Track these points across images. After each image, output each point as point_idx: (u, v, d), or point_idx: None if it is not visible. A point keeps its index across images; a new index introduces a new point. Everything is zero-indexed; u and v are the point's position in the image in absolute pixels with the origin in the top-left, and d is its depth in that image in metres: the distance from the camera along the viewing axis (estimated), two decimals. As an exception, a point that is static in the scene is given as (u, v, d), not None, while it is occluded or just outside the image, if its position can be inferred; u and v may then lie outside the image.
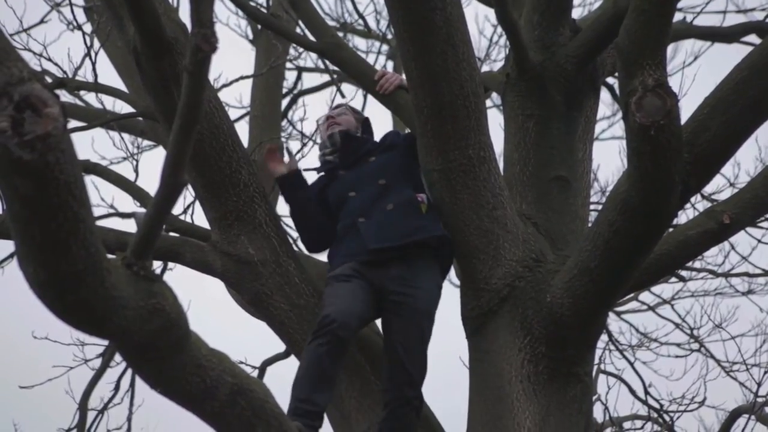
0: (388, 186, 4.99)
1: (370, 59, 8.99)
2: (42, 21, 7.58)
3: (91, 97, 7.83)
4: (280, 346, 7.36)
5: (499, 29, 9.16)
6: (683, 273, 8.38)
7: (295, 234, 6.31)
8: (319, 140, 5.43)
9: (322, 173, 5.27)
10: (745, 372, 8.59)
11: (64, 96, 7.55)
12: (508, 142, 5.50)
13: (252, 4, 7.25)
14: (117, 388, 7.68)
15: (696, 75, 8.24)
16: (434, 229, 4.85)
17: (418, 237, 4.82)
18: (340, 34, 8.08)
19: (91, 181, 6.95)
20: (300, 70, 9.49)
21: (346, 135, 5.22)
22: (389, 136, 5.27)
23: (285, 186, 5.16)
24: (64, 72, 7.17)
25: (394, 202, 4.93)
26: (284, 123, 8.91)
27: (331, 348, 4.49)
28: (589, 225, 5.07)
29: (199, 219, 7.40)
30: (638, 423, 8.89)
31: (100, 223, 6.16)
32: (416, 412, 4.70)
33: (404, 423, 4.66)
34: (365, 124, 5.36)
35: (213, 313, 8.49)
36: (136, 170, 7.50)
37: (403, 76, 4.95)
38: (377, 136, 5.34)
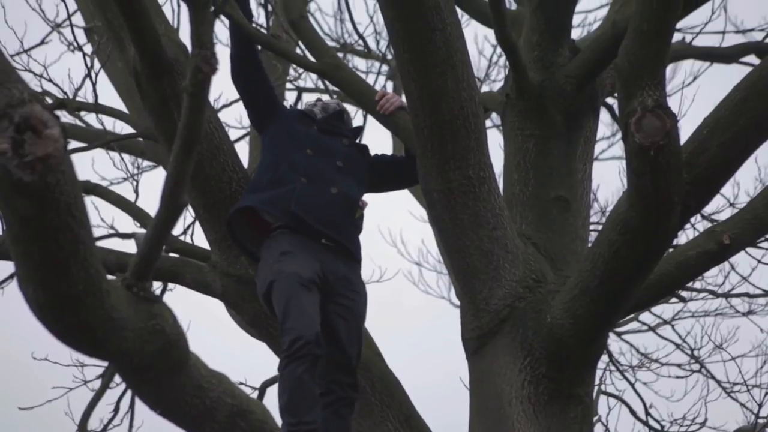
0: (342, 171, 5.02)
1: (370, 80, 9.01)
2: (43, 42, 7.58)
3: (91, 118, 7.83)
4: (280, 367, 7.32)
5: (499, 50, 9.17)
6: (683, 293, 8.37)
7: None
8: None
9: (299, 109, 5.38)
10: (746, 393, 8.57)
11: (65, 117, 7.55)
12: (508, 162, 5.50)
13: (252, 25, 7.26)
14: (117, 409, 7.64)
15: (695, 95, 8.27)
16: (360, 249, 4.95)
17: (349, 245, 4.87)
18: (340, 55, 8.10)
19: (91, 202, 6.95)
20: (300, 90, 9.48)
21: (341, 111, 5.31)
22: (364, 146, 5.36)
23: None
24: (65, 93, 7.18)
25: (339, 188, 4.93)
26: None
27: (309, 367, 4.47)
28: (589, 245, 5.07)
29: (200, 240, 7.41)
30: (639, 444, 8.85)
31: (100, 244, 6.14)
32: (353, 407, 4.76)
33: (347, 421, 4.70)
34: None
35: (213, 333, 8.47)
36: (136, 191, 7.49)
37: (403, 97, 4.96)
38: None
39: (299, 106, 5.57)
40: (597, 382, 8.08)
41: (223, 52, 5.76)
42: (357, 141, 5.34)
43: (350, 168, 5.06)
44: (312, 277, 4.63)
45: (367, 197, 5.11)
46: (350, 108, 8.96)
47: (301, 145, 5.01)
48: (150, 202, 7.85)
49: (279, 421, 4.29)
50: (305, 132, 5.09)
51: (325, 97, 6.97)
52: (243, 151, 7.96)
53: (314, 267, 4.68)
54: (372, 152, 5.28)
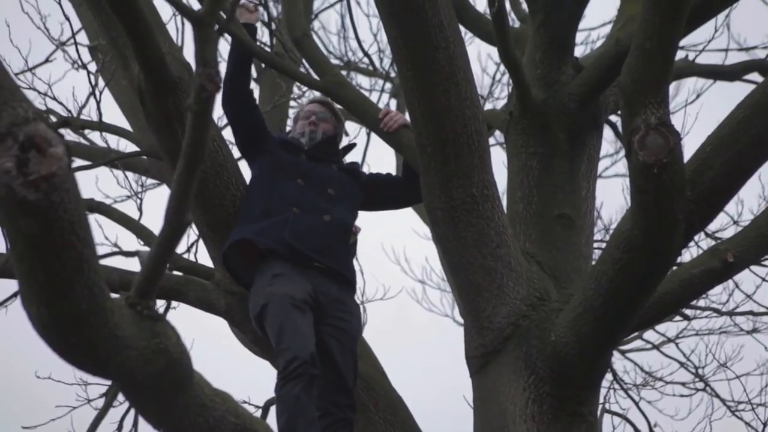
0: (334, 198, 5.06)
1: (374, 97, 9.03)
2: (47, 60, 7.60)
3: (95, 136, 7.84)
4: (284, 385, 7.31)
5: (502, 67, 9.19)
6: (687, 311, 8.34)
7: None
8: (292, 122, 5.58)
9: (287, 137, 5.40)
10: (751, 412, 8.54)
11: (69, 135, 7.56)
12: (512, 180, 5.51)
13: (256, 43, 7.28)
14: (120, 428, 7.63)
15: (698, 113, 8.28)
16: (354, 274, 5.00)
17: (344, 272, 4.92)
18: (344, 73, 8.11)
19: (95, 220, 6.95)
20: (304, 108, 9.49)
21: (328, 139, 5.33)
22: (354, 165, 5.39)
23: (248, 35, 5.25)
24: (69, 111, 7.19)
25: (332, 215, 4.98)
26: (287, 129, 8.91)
27: (306, 386, 4.46)
28: (593, 263, 5.06)
29: (203, 258, 7.42)
30: (644, 463, 8.81)
31: (103, 262, 6.14)
32: (352, 428, 4.75)
33: None
34: (340, 132, 5.49)
35: (216, 351, 8.46)
36: (140, 209, 7.50)
37: (407, 115, 4.97)
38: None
39: (287, 128, 5.62)
40: (601, 400, 8.04)
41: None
42: (346, 161, 5.37)
43: (342, 194, 5.11)
44: (305, 298, 4.66)
45: (369, 215, 5.14)
46: (353, 126, 9.02)
47: (291, 175, 5.05)
48: (154, 220, 7.87)
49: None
50: (294, 161, 5.13)
51: (303, 101, 6.98)
52: (247, 169, 7.98)
53: (306, 288, 4.72)
54: (370, 170, 5.32)
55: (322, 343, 4.68)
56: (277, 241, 4.79)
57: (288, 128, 5.79)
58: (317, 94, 9.00)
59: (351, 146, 5.55)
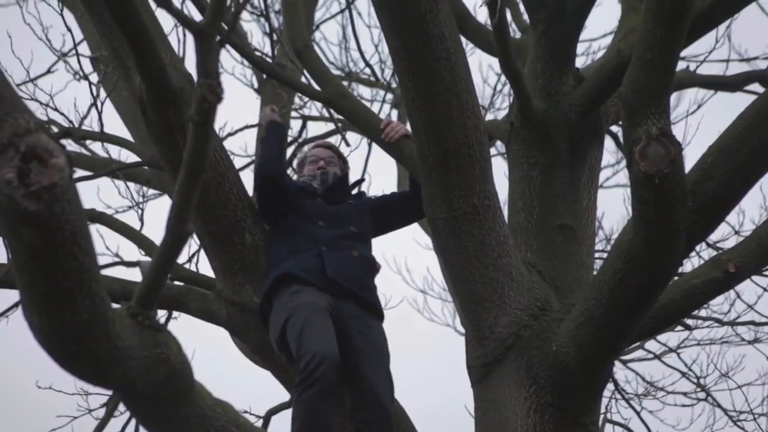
0: (357, 235, 5.13)
1: (375, 108, 9.02)
2: (49, 71, 7.61)
3: (97, 147, 7.84)
4: (285, 395, 7.32)
5: (503, 78, 9.19)
6: (689, 321, 8.33)
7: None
8: (296, 167, 5.65)
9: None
10: (753, 422, 8.53)
11: (70, 145, 7.57)
12: (513, 191, 5.50)
13: (257, 54, 7.29)
14: (121, 438, 7.63)
15: (699, 124, 8.27)
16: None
17: (377, 304, 4.99)
18: (345, 83, 8.12)
19: (96, 230, 6.96)
20: (305, 118, 9.51)
21: (339, 179, 5.40)
22: (361, 196, 5.47)
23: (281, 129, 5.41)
24: (71, 121, 7.19)
25: (359, 251, 5.06)
26: (289, 171, 8.93)
27: (326, 394, 4.44)
28: (594, 273, 5.06)
29: (204, 268, 7.42)
30: (646, 473, 8.79)
31: (105, 272, 6.15)
32: None
33: None
34: (347, 171, 5.56)
35: (217, 361, 8.46)
36: (141, 219, 7.50)
37: (408, 125, 4.97)
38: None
39: (294, 162, 5.76)
40: (603, 410, 8.05)
41: (228, 82, 5.78)
42: (356, 192, 5.45)
43: (362, 230, 5.19)
44: (326, 306, 4.72)
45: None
46: (355, 136, 9.03)
47: (311, 219, 5.11)
48: (155, 230, 7.87)
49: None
50: (312, 205, 5.18)
51: (305, 148, 6.94)
52: (248, 179, 7.98)
53: (327, 299, 4.79)
54: (371, 180, 5.36)
55: (350, 360, 4.67)
56: (316, 276, 4.85)
57: (293, 175, 5.79)
58: (318, 105, 9.05)
59: (360, 182, 5.69)
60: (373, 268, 5.14)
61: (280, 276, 4.83)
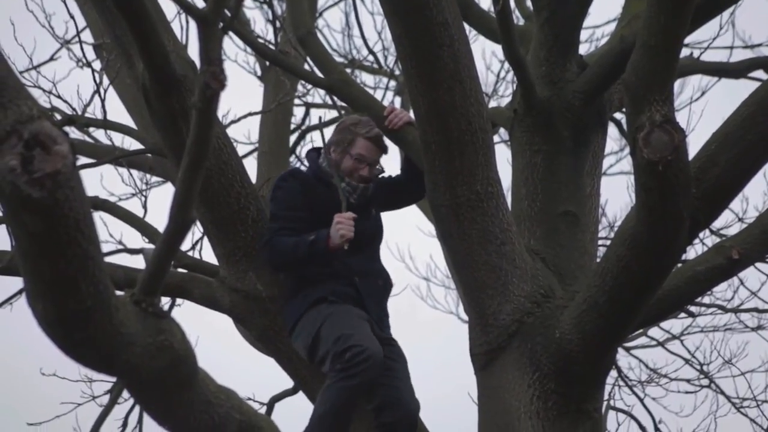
0: (377, 251, 5.08)
1: (378, 95, 9.02)
2: (52, 58, 7.61)
3: (100, 134, 7.85)
4: (288, 382, 7.33)
5: (507, 65, 9.19)
6: (692, 308, 8.34)
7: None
8: (333, 144, 5.06)
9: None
10: (756, 408, 8.55)
11: (74, 133, 7.57)
12: (516, 178, 5.50)
13: (260, 41, 7.29)
14: (125, 425, 7.65)
15: (703, 110, 8.27)
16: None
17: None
18: (348, 71, 8.11)
19: (99, 218, 6.96)
20: (308, 106, 9.51)
21: (373, 192, 5.07)
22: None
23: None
24: (74, 109, 7.19)
25: (383, 279, 5.00)
26: (292, 159, 8.93)
27: (362, 390, 4.42)
28: (598, 260, 5.06)
29: (208, 255, 7.43)
30: (649, 459, 8.81)
31: (108, 259, 6.15)
32: None
33: None
34: None
35: (221, 348, 8.47)
36: (144, 206, 7.50)
37: (411, 113, 4.96)
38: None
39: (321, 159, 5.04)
40: (606, 397, 8.06)
41: (231, 69, 5.76)
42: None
43: (380, 241, 5.11)
44: (365, 317, 4.71)
45: None
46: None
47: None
48: (158, 217, 7.85)
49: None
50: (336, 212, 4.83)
51: (354, 122, 5.35)
52: (251, 167, 8.00)
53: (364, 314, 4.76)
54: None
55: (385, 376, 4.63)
56: (353, 302, 4.79)
57: (320, 153, 5.15)
58: (321, 92, 9.04)
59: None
60: (390, 289, 5.08)
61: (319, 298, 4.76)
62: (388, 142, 5.19)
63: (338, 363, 4.44)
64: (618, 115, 6.57)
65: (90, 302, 2.95)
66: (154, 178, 7.95)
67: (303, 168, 5.12)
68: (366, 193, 5.01)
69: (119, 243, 7.44)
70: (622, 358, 8.97)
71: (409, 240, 10.52)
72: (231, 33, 6.20)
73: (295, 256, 4.74)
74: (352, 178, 4.99)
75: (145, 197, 7.63)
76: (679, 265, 5.05)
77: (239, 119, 7.98)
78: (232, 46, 9.55)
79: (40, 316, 3.00)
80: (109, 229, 7.45)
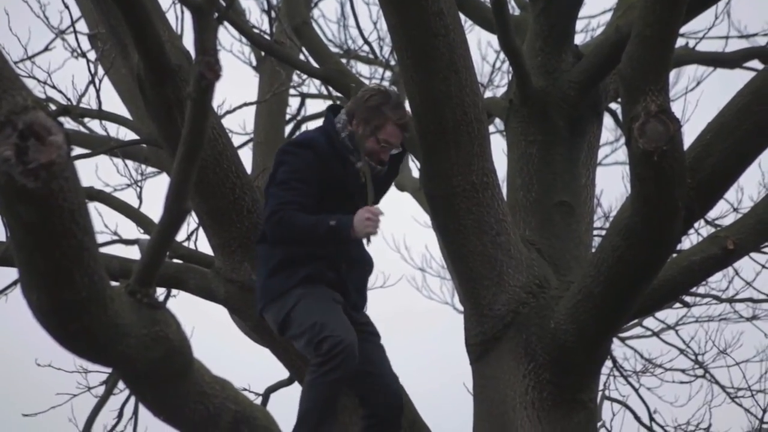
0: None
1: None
2: (46, 48, 7.59)
3: (95, 124, 7.83)
4: (284, 373, 7.33)
5: (502, 55, 9.17)
6: (687, 298, 8.35)
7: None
8: (356, 115, 4.58)
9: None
10: (750, 398, 8.57)
11: (68, 123, 7.55)
12: (511, 168, 5.51)
13: (255, 31, 7.27)
14: (120, 415, 7.64)
15: (699, 100, 8.28)
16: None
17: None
18: (344, 61, 8.11)
19: (94, 208, 6.95)
20: (303, 96, 9.50)
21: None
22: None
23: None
24: (68, 99, 7.17)
25: (369, 266, 4.78)
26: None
27: (344, 381, 4.35)
28: (593, 251, 5.07)
29: (203, 245, 7.42)
30: (643, 449, 8.83)
31: (103, 250, 6.15)
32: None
33: None
34: None
35: (216, 339, 8.48)
36: (139, 197, 7.50)
37: (407, 103, 4.96)
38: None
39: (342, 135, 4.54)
40: (601, 387, 8.06)
41: (226, 59, 5.74)
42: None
43: None
44: (340, 300, 4.53)
45: None
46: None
47: (343, 208, 4.52)
48: (153, 208, 7.86)
49: (283, 427, 4.28)
50: (349, 206, 4.52)
51: (384, 99, 4.66)
52: (246, 157, 7.98)
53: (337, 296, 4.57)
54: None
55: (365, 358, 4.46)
56: (332, 283, 4.57)
57: (342, 121, 4.64)
58: (317, 82, 9.04)
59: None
60: (371, 271, 4.83)
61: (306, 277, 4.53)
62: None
63: (317, 355, 4.31)
64: (613, 106, 6.57)
65: (85, 293, 2.95)
66: (150, 169, 7.94)
67: (316, 135, 4.74)
68: (380, 175, 4.65)
69: (114, 234, 7.44)
70: (617, 348, 8.99)
71: (404, 230, 10.51)
72: (226, 23, 6.18)
73: (310, 236, 4.47)
74: (371, 158, 4.56)
75: (141, 188, 7.63)
76: (674, 255, 5.06)
77: (234, 109, 7.96)
78: (227, 36, 9.50)
79: (35, 307, 3.00)
80: (104, 220, 7.44)
